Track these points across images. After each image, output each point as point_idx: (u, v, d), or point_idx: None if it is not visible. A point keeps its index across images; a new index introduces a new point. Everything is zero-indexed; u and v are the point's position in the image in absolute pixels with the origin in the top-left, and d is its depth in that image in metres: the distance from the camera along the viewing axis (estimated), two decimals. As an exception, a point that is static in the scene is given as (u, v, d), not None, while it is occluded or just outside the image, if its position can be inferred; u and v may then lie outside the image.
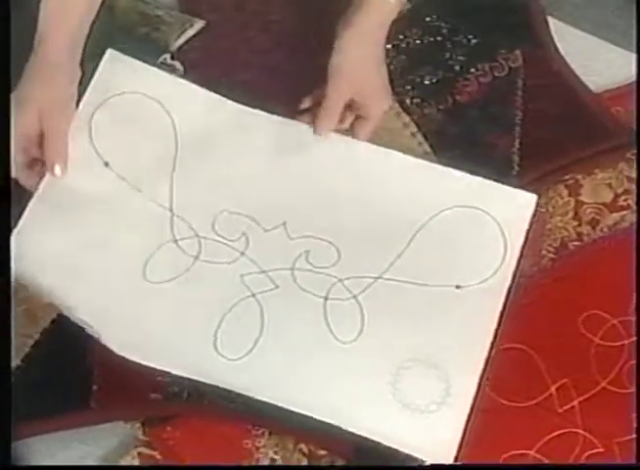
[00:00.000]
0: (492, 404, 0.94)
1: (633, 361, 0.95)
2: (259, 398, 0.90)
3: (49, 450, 0.93)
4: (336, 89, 0.92)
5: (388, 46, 1.05)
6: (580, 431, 0.93)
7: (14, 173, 0.90)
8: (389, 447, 0.89)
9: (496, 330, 0.92)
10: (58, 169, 0.92)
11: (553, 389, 0.95)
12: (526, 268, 0.98)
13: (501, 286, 0.93)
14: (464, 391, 0.91)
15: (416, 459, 0.89)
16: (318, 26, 1.04)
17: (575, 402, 0.94)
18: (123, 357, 0.90)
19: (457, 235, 0.95)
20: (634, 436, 0.92)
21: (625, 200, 1.01)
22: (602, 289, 0.97)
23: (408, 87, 1.04)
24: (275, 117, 0.97)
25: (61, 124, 0.92)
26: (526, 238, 0.95)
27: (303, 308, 0.93)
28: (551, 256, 0.99)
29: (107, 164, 0.96)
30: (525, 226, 0.95)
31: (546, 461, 0.92)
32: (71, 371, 0.93)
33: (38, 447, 0.93)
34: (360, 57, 0.92)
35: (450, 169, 0.96)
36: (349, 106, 0.95)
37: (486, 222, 0.95)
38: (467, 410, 0.90)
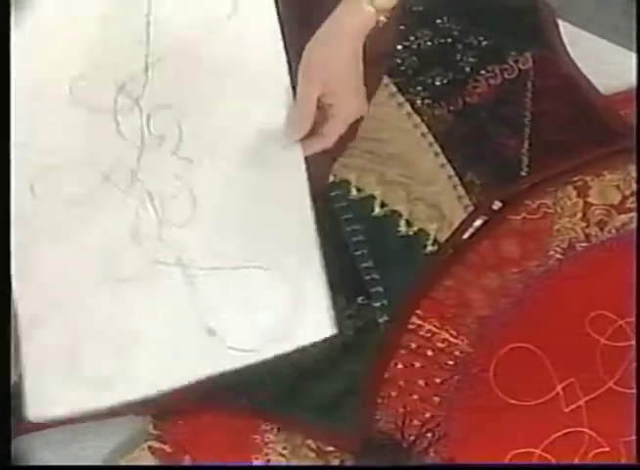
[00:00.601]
0: (499, 403, 0.95)
1: (639, 362, 0.96)
2: None
3: (63, 442, 0.94)
4: (305, 87, 0.92)
5: (399, 47, 1.06)
6: (586, 430, 0.94)
7: None
8: (398, 443, 0.90)
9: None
10: None
11: (559, 388, 0.95)
12: (534, 269, 0.99)
13: None
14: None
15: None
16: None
17: (582, 402, 0.95)
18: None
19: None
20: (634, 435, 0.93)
21: (633, 202, 1.01)
22: (609, 290, 0.98)
23: (419, 88, 1.05)
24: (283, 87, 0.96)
25: None
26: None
27: (116, 220, 0.93)
28: (559, 256, 1.00)
29: None
30: None
31: (552, 460, 0.93)
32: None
33: (54, 439, 0.94)
34: (331, 56, 0.91)
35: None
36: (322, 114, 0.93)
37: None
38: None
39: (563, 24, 1.08)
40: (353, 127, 1.02)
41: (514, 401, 0.95)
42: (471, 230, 1.01)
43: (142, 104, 0.96)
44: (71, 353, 0.90)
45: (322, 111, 0.93)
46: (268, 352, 0.90)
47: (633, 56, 1.06)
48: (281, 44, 0.96)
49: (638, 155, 1.01)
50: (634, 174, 1.02)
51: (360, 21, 0.91)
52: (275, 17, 0.97)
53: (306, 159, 0.97)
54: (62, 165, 0.94)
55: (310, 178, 0.95)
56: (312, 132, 0.93)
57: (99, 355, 0.90)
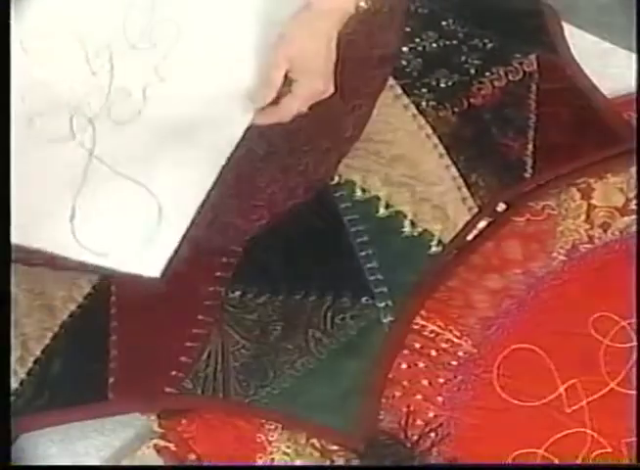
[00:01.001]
0: (502, 404, 0.95)
1: (641, 363, 0.96)
2: None
3: (68, 440, 0.95)
4: (275, 58, 0.94)
5: (405, 49, 1.07)
6: (589, 431, 0.94)
7: None
8: (401, 442, 0.90)
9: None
10: None
11: (562, 389, 0.96)
12: (537, 270, 1.00)
13: None
14: None
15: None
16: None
17: (584, 403, 0.95)
18: (140, 351, 0.93)
19: None
20: (635, 436, 0.93)
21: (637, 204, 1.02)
22: (612, 291, 0.98)
23: (424, 90, 1.05)
24: None
25: None
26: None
27: (72, 86, 1.00)
28: (562, 258, 1.00)
29: None
30: None
31: (555, 460, 0.93)
32: (89, 364, 0.95)
33: (58, 437, 0.94)
34: (304, 34, 0.93)
35: None
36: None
37: None
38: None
39: (567, 27, 1.09)
40: (358, 128, 1.03)
41: (517, 402, 0.96)
42: (475, 231, 1.02)
43: (155, 11, 1.02)
44: None
45: (287, 86, 0.94)
46: (95, 259, 0.94)
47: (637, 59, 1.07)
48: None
49: (639, 157, 1.02)
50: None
51: (339, 3, 0.93)
52: None
53: (311, 159, 0.99)
54: None
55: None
56: (272, 103, 0.95)
57: None
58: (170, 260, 0.94)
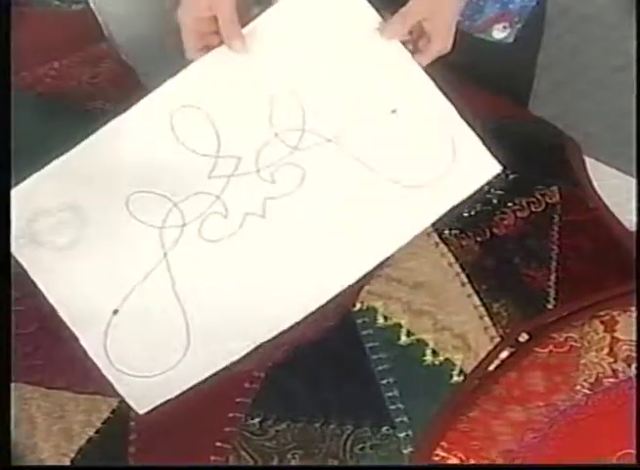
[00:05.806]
0: None
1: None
2: None
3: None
4: (414, 5, 0.97)
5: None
6: None
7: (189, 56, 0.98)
8: None
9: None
10: (238, 45, 0.97)
11: (587, 529, 0.93)
12: (560, 403, 0.98)
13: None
14: None
15: None
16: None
17: None
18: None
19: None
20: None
21: (660, 337, 1.01)
22: (637, 428, 0.97)
23: (447, 219, 1.06)
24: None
25: (231, 8, 0.96)
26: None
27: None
28: (586, 391, 0.99)
29: None
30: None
31: None
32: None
33: None
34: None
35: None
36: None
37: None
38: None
39: (588, 160, 1.11)
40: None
41: None
42: (497, 361, 1.01)
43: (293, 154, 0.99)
44: None
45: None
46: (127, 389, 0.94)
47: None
48: None
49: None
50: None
51: None
52: None
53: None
54: None
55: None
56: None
57: None
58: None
